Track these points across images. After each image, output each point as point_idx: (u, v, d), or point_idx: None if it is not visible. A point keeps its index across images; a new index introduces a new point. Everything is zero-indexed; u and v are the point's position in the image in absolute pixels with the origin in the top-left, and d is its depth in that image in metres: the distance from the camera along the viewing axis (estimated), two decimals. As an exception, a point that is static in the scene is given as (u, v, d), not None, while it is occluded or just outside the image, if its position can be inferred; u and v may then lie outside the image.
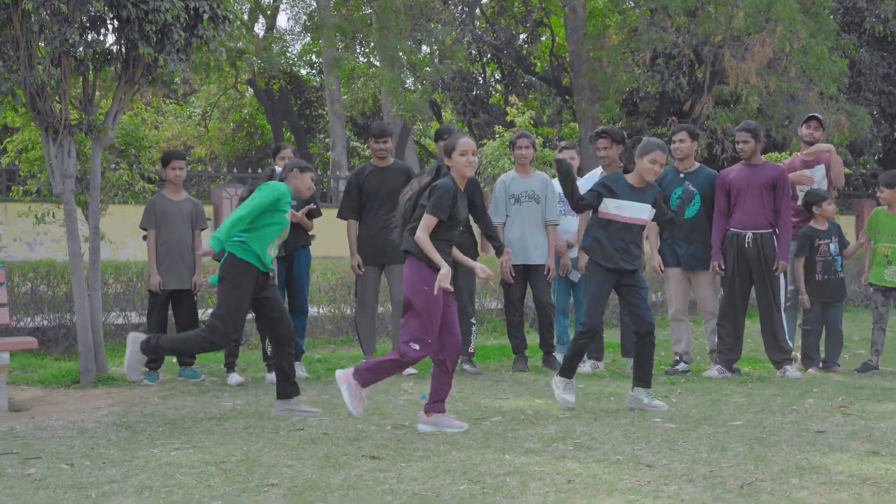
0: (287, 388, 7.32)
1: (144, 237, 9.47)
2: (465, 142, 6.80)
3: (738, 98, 23.90)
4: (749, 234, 8.98)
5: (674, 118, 25.25)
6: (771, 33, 22.54)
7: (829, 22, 25.48)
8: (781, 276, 9.05)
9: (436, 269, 6.53)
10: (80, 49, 8.74)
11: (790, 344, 9.14)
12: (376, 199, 9.46)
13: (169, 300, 9.42)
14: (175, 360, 9.61)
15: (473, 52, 30.69)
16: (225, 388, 8.77)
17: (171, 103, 35.78)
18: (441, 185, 6.62)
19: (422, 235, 6.53)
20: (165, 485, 5.16)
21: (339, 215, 9.78)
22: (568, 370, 7.47)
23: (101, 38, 9.02)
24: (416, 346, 6.53)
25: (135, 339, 7.19)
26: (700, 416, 6.92)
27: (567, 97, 29.75)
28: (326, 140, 31.99)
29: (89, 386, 9.05)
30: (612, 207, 7.33)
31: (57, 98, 8.97)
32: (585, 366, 9.54)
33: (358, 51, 27.10)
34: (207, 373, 9.70)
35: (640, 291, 7.42)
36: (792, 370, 8.94)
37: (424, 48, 25.80)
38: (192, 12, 9.05)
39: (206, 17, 9.10)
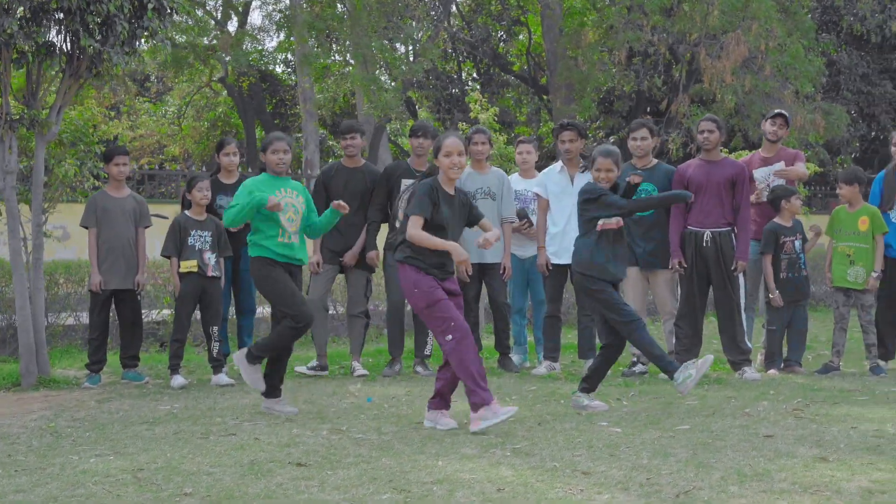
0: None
1: None
2: (451, 142, 6.57)
3: (713, 97, 23.70)
4: (707, 232, 8.76)
5: (649, 117, 25.06)
6: (746, 31, 22.31)
7: (806, 20, 25.29)
8: (741, 275, 8.82)
9: (424, 268, 6.43)
10: (21, 41, 8.45)
11: (749, 345, 8.91)
12: (340, 199, 9.11)
13: (111, 300, 9.13)
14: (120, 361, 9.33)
15: (449, 50, 30.43)
16: (166, 391, 8.51)
17: (145, 101, 35.47)
18: (420, 184, 6.47)
19: (413, 233, 6.38)
20: (74, 495, 4.91)
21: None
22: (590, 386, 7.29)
23: (44, 29, 8.72)
24: (449, 337, 6.39)
25: (240, 357, 7.27)
26: (648, 420, 6.68)
27: (544, 96, 29.50)
28: (300, 139, 31.70)
29: (30, 389, 8.79)
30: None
31: (-2, 91, 8.70)
32: (541, 367, 9.31)
33: (333, 48, 26.80)
34: (154, 375, 9.44)
35: None
36: (750, 371, 8.72)
37: (398, 46, 25.54)
38: (136, 3, 8.78)
39: (150, 7, 8.83)
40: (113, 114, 33.53)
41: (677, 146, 23.82)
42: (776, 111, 9.65)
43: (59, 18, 8.67)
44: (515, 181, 9.80)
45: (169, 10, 9.05)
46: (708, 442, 5.91)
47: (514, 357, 9.69)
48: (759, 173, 9.32)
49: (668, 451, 5.67)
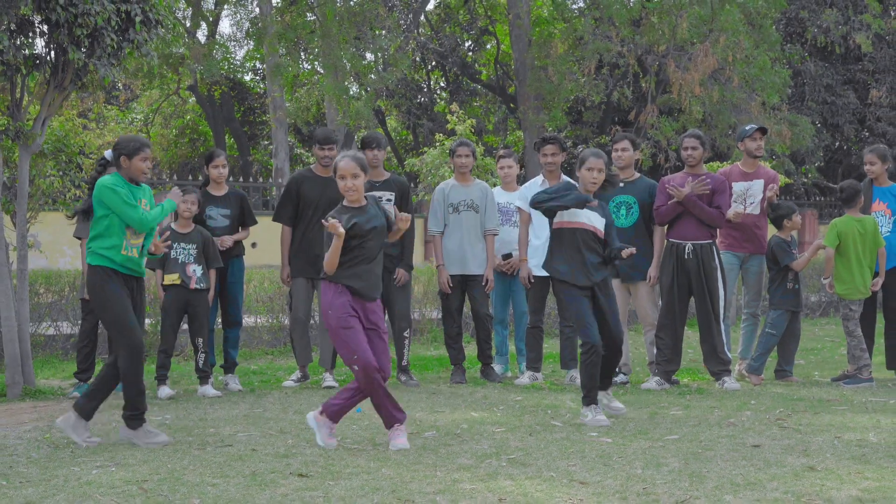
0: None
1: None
2: (343, 165, 6.61)
3: (681, 108, 23.97)
4: (688, 245, 8.93)
5: (618, 127, 25.29)
6: (714, 44, 22.61)
7: (772, 33, 25.63)
8: (720, 286, 8.98)
9: (345, 289, 6.41)
10: (10, 54, 8.49)
11: (729, 355, 9.08)
12: (312, 208, 9.25)
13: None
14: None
15: (418, 59, 30.55)
16: (154, 402, 8.54)
17: (113, 109, 35.34)
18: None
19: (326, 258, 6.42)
20: (83, 505, 4.97)
21: (276, 218, 9.40)
22: (589, 398, 7.27)
23: (31, 41, 8.77)
24: (355, 367, 6.36)
25: (65, 421, 6.71)
26: (636, 430, 6.83)
27: (512, 105, 29.70)
28: (269, 147, 31.69)
29: (16, 399, 8.81)
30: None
31: (-18, 103, 8.75)
32: (524, 377, 9.44)
33: (302, 57, 26.87)
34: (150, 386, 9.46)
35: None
36: (730, 381, 8.89)
37: (368, 56, 25.64)
38: (123, 16, 8.84)
39: (138, 20, 8.89)
40: (84, 121, 33.40)
41: (646, 156, 24.06)
42: (755, 127, 9.78)
43: (44, 31, 8.72)
44: (498, 194, 9.93)
45: (154, 23, 9.11)
46: (698, 452, 6.06)
47: (496, 367, 9.81)
48: (738, 187, 9.49)
49: (661, 461, 5.81)
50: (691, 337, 9.40)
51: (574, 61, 24.74)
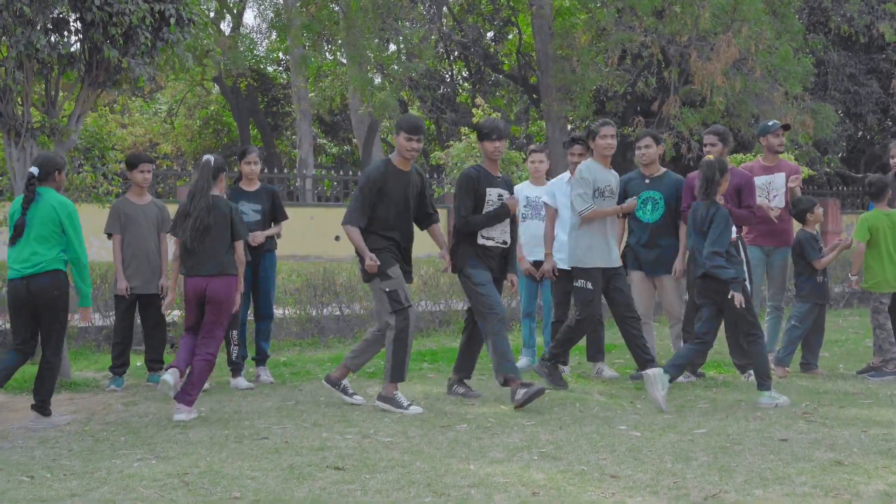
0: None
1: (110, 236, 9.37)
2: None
3: (704, 98, 23.98)
4: None
5: (640, 118, 25.31)
6: (737, 33, 22.59)
7: (795, 22, 25.58)
8: (746, 280, 9.04)
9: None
10: (45, 52, 8.63)
11: None
12: (389, 205, 8.04)
13: (136, 304, 9.33)
14: (144, 363, 9.53)
15: (441, 49, 30.63)
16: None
17: (137, 100, 35.57)
18: None
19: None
20: (128, 498, 5.12)
21: (351, 222, 7.84)
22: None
23: (66, 40, 8.92)
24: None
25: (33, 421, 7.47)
26: (665, 424, 6.93)
27: (534, 96, 29.74)
28: (293, 138, 31.84)
29: (54, 392, 8.95)
30: None
31: (19, 101, 8.89)
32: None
33: (325, 48, 27.00)
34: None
35: None
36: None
37: (392, 46, 25.74)
38: (157, 15, 8.98)
39: (172, 20, 9.03)
40: (116, 116, 33.68)
41: (669, 147, 24.08)
42: (779, 124, 9.85)
43: (79, 29, 8.86)
44: (526, 188, 10.02)
45: (188, 22, 9.25)
46: (726, 446, 6.17)
47: (523, 359, 9.91)
48: (760, 181, 9.57)
49: (690, 454, 5.93)
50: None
51: (597, 52, 24.76)
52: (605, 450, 6.12)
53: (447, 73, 33.09)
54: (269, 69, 35.48)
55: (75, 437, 6.78)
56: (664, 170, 9.42)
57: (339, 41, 24.79)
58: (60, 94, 9.54)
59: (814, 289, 9.42)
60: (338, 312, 12.73)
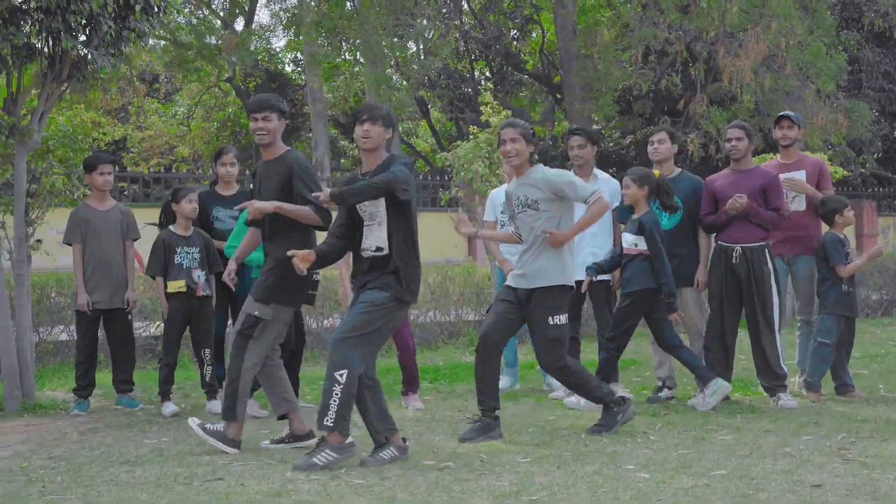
0: None
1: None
2: None
3: (733, 96, 23.06)
4: (738, 248, 8.11)
5: (666, 118, 24.41)
6: (766, 29, 21.66)
7: (827, 17, 24.62)
8: (774, 293, 8.14)
9: None
10: (-1, 43, 7.85)
11: (784, 368, 8.24)
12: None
13: (99, 320, 8.53)
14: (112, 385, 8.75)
15: (461, 48, 29.79)
16: (157, 420, 7.91)
17: (153, 101, 34.97)
18: None
19: None
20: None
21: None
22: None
23: (21, 30, 8.09)
24: None
25: None
26: (679, 463, 6.02)
27: (558, 95, 28.86)
28: (311, 139, 31.12)
29: (13, 415, 8.21)
30: None
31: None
32: (560, 391, 8.67)
33: (343, 47, 26.25)
34: (147, 398, 8.82)
35: None
36: (786, 398, 8.06)
37: (409, 44, 24.95)
38: (121, 2, 8.17)
39: (138, 8, 8.22)
40: (122, 114, 33.09)
41: (696, 147, 23.18)
42: (779, 114, 8.95)
43: (38, 19, 8.05)
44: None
45: (157, 10, 8.45)
46: (748, 493, 5.26)
47: (504, 379, 9.04)
48: None
49: (705, 504, 5.04)
50: (744, 342, 8.51)
51: (621, 49, 23.88)
52: (606, 496, 5.23)
53: (468, 73, 32.20)
54: (287, 69, 34.78)
55: (4, 477, 5.94)
56: (679, 170, 8.54)
57: (352, 39, 24.02)
58: (34, 91, 8.76)
59: (839, 299, 8.39)
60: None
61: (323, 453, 6.02)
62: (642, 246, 7.86)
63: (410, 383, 8.50)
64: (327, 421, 6.04)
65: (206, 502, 5.23)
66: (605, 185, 8.59)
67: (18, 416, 8.19)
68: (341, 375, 6.06)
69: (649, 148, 8.56)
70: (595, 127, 26.17)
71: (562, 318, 6.83)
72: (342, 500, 5.27)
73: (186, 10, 27.41)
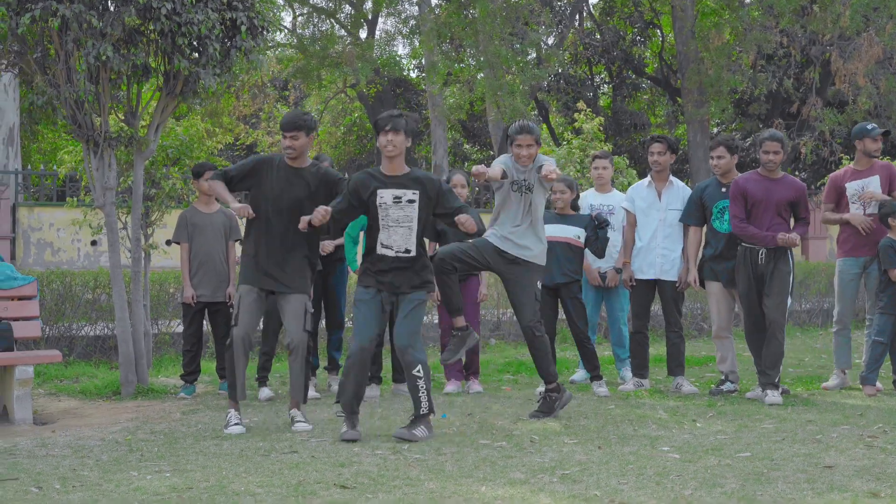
0: None
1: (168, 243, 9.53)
2: None
3: (848, 99, 23.07)
4: (762, 249, 8.49)
5: (780, 121, 24.50)
6: (880, 32, 21.64)
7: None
8: (787, 293, 8.52)
9: None
10: (116, 63, 8.70)
11: (779, 370, 8.49)
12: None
13: (203, 312, 9.38)
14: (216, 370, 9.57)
15: (580, 49, 30.21)
16: (253, 403, 8.69)
17: (283, 107, 36.17)
18: None
19: None
20: (116, 513, 5.06)
21: None
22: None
23: (138, 51, 8.97)
24: None
25: None
26: (712, 446, 6.54)
27: (677, 99, 29.09)
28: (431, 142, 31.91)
29: (128, 398, 9.07)
30: None
31: (96, 111, 9.01)
32: (629, 383, 9.19)
33: (464, 54, 26.94)
34: (249, 384, 9.60)
35: None
36: (773, 395, 8.32)
37: (527, 51, 25.47)
38: (228, 24, 8.99)
39: (244, 28, 9.02)
40: (254, 120, 34.34)
41: (809, 149, 23.26)
42: (879, 129, 9.24)
43: (152, 40, 8.92)
44: (591, 196, 9.74)
45: (261, 29, 9.24)
46: (763, 472, 5.76)
47: (581, 372, 9.65)
48: (852, 187, 9.05)
49: (718, 481, 5.55)
50: (807, 342, 8.91)
51: (735, 52, 24.04)
52: (631, 473, 5.79)
53: (588, 77, 32.60)
54: (412, 75, 35.66)
55: (110, 447, 6.77)
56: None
57: (467, 47, 24.67)
58: (141, 104, 9.64)
59: (892, 300, 8.79)
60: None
61: (420, 428, 6.96)
62: None
63: (472, 367, 9.21)
64: (422, 410, 6.99)
65: (278, 470, 5.95)
66: (679, 192, 9.13)
67: (132, 399, 9.05)
68: (418, 371, 7.00)
69: (710, 163, 9.14)
70: (715, 130, 26.35)
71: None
72: (397, 471, 5.92)
73: (314, 20, 28.56)
